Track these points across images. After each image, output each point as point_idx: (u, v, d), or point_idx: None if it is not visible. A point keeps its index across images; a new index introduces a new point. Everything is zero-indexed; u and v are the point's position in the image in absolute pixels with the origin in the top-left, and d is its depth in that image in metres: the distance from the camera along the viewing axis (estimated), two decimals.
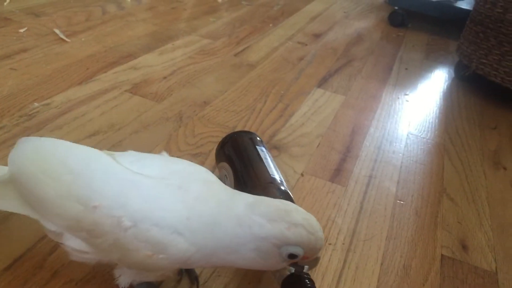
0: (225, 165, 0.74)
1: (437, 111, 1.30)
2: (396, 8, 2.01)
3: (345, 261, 0.69)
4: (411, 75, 1.52)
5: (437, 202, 0.88)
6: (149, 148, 0.85)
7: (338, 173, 0.90)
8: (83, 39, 1.28)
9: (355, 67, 1.49)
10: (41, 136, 0.62)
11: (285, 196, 0.64)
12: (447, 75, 1.60)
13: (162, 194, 0.47)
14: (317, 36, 1.73)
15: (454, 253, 0.75)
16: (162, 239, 0.45)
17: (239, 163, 0.71)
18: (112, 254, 0.48)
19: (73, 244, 0.49)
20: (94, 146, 0.81)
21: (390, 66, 1.56)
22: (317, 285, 0.63)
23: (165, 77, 1.14)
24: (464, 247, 0.77)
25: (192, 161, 0.82)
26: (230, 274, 0.62)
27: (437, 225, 0.82)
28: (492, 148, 1.13)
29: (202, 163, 0.84)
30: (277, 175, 0.68)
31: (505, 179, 1.00)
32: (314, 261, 0.51)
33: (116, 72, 1.12)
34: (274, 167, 0.71)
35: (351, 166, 0.93)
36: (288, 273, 0.56)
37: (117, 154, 0.52)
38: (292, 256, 0.47)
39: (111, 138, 0.86)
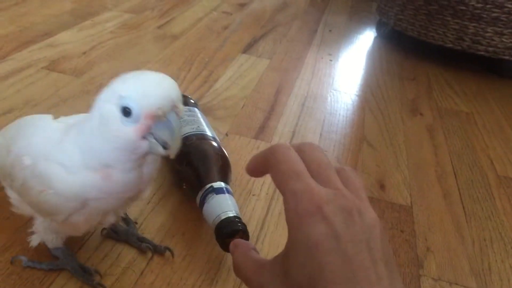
0: None
1: (360, 69, 1.35)
2: None
3: (268, 208, 0.72)
4: (334, 36, 1.56)
5: (357, 150, 0.92)
6: None
7: (262, 130, 0.93)
8: None
9: (280, 32, 1.51)
10: None
11: (218, 149, 0.69)
12: (369, 35, 1.65)
13: (57, 132, 0.49)
14: (242, 5, 1.73)
15: (372, 193, 0.79)
16: (46, 171, 0.46)
17: None
18: (25, 198, 0.50)
19: (8, 193, 0.54)
20: (9, 123, 0.80)
21: (315, 29, 1.60)
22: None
23: (84, 53, 1.12)
24: (382, 187, 0.82)
25: None
26: (165, 213, 0.63)
27: (357, 169, 0.85)
28: (410, 97, 1.18)
29: None
30: (209, 132, 0.72)
31: (421, 124, 1.05)
32: (170, 129, 0.42)
33: (31, 50, 1.09)
34: (207, 125, 0.75)
35: (275, 123, 0.96)
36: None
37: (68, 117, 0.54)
38: (125, 111, 0.41)
39: (27, 114, 0.82)
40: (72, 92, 0.94)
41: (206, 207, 0.60)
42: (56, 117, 0.54)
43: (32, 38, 1.15)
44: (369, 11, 1.89)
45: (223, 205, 0.60)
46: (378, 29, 1.63)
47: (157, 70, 1.08)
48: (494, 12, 1.25)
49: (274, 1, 1.86)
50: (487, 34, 1.28)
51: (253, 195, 0.74)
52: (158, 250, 0.59)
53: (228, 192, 0.62)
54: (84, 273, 0.54)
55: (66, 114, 0.85)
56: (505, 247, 0.72)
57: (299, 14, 1.73)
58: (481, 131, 1.06)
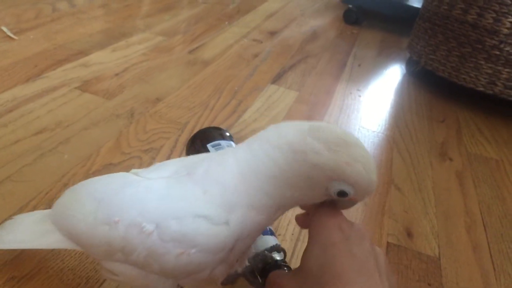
0: None
1: (388, 106, 1.34)
2: (350, 6, 2.05)
3: (294, 249, 0.70)
4: (364, 71, 1.56)
5: (385, 192, 0.90)
6: (99, 144, 0.84)
7: None
8: (31, 36, 1.25)
9: (309, 63, 1.51)
10: None
11: None
12: (398, 71, 1.64)
13: (172, 185, 0.45)
14: (272, 33, 1.74)
15: (399, 240, 0.78)
16: (185, 231, 0.42)
17: None
18: (152, 267, 0.45)
19: (113, 268, 0.48)
20: (41, 144, 0.81)
21: (344, 62, 1.59)
22: None
23: (116, 74, 1.13)
24: (409, 235, 0.80)
25: (142, 157, 0.83)
26: None
27: (384, 214, 0.84)
28: (440, 141, 1.17)
29: (152, 159, 0.84)
30: None
31: (451, 170, 1.03)
32: (353, 203, 0.45)
33: (65, 69, 1.10)
34: None
35: None
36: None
37: (142, 169, 0.51)
38: (341, 194, 0.41)
39: (58, 135, 0.85)
40: (103, 115, 0.94)
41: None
42: (135, 171, 0.50)
43: (66, 56, 1.17)
44: (398, 47, 1.89)
45: (265, 243, 0.60)
46: (407, 67, 1.62)
47: (187, 96, 1.09)
48: None
49: (304, 30, 1.86)
50: None
51: (279, 235, 0.73)
52: None
53: (272, 233, 0.63)
54: None
55: (96, 136, 0.86)
56: None
57: (328, 46, 1.73)
58: (511, 180, 1.03)
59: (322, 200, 0.44)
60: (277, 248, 0.58)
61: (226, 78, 1.26)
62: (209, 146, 0.73)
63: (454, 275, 0.73)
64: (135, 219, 0.44)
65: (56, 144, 0.82)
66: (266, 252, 0.58)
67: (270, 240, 0.62)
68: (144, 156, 0.84)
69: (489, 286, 0.72)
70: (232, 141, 0.78)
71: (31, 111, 0.90)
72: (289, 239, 0.73)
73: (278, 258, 0.58)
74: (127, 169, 0.51)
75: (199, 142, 0.75)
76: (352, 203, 0.45)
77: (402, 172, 0.99)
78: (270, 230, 0.64)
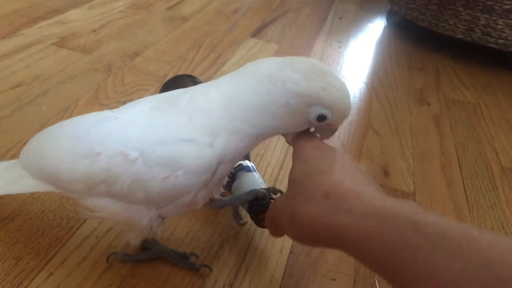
0: None
1: (368, 57, 1.34)
2: None
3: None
4: (344, 24, 1.55)
5: (363, 136, 0.92)
6: (77, 97, 0.85)
7: None
8: None
9: (289, 18, 1.50)
10: None
11: None
12: (379, 24, 1.64)
13: (154, 115, 0.46)
14: None
15: (376, 179, 0.80)
16: (171, 154, 0.44)
17: None
18: (136, 195, 0.46)
19: (90, 203, 0.49)
20: (18, 97, 0.81)
21: (325, 16, 1.59)
22: (244, 211, 0.66)
23: (93, 31, 1.12)
24: (386, 173, 0.82)
25: None
26: None
27: (361, 155, 0.86)
28: (418, 87, 1.18)
29: None
30: None
31: (428, 113, 1.05)
32: (332, 131, 0.47)
33: (41, 27, 1.09)
34: None
35: None
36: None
37: (115, 109, 0.51)
38: (320, 118, 0.43)
39: (36, 89, 0.85)
40: (80, 70, 0.94)
41: (237, 183, 0.62)
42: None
43: (42, 14, 1.15)
44: (380, 0, 1.88)
45: (254, 182, 0.61)
46: (388, 18, 1.62)
47: (165, 50, 1.09)
48: (506, 4, 1.24)
49: None
50: (498, 26, 1.27)
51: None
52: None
53: (255, 170, 0.64)
54: (181, 257, 0.55)
55: (73, 89, 0.86)
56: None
57: (309, 1, 1.72)
58: (488, 122, 1.05)
59: (302, 129, 0.46)
60: (273, 190, 0.59)
61: (205, 33, 1.25)
62: None
63: (428, 208, 0.75)
64: (117, 149, 0.44)
65: (33, 97, 0.82)
66: (262, 189, 0.59)
67: (255, 177, 0.63)
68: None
69: (462, 218, 0.74)
70: None
71: (7, 67, 0.90)
72: (267, 180, 0.74)
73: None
74: None
75: (171, 88, 0.75)
76: (331, 131, 0.47)
77: (380, 117, 1.00)
78: (253, 167, 0.65)
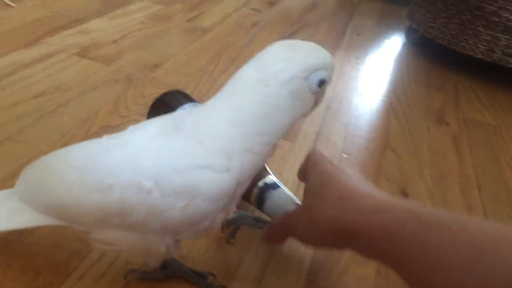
0: None
1: (386, 73, 1.34)
2: None
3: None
4: (362, 40, 1.55)
5: (381, 155, 0.91)
6: (97, 107, 0.85)
7: None
8: (29, 4, 1.24)
9: (308, 32, 1.50)
10: None
11: None
12: (398, 40, 1.63)
13: (164, 142, 0.45)
14: (271, 3, 1.73)
15: None
16: (188, 182, 0.43)
17: None
18: (152, 225, 0.45)
19: (113, 235, 0.47)
20: (40, 106, 0.81)
21: (343, 32, 1.59)
22: None
23: (115, 41, 1.13)
24: (405, 195, 0.81)
25: (140, 120, 0.84)
26: None
27: (380, 176, 0.85)
28: (437, 106, 1.17)
29: None
30: None
31: (447, 134, 1.04)
32: (323, 92, 0.49)
33: (63, 36, 1.10)
34: None
35: (300, 124, 0.96)
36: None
37: (115, 134, 0.49)
38: (321, 82, 0.45)
39: (57, 99, 0.85)
40: (101, 80, 0.95)
41: (269, 204, 0.62)
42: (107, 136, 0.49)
43: (65, 23, 1.17)
44: (398, 16, 1.87)
45: (286, 198, 0.62)
46: (407, 35, 1.62)
47: (185, 62, 1.09)
48: None
49: (303, 0, 1.85)
50: None
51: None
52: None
53: (280, 183, 0.64)
54: (199, 277, 0.55)
55: (94, 100, 0.87)
56: None
57: (327, 15, 1.72)
58: (508, 145, 1.04)
59: (311, 104, 0.47)
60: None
61: (225, 45, 1.25)
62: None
63: None
64: (131, 179, 0.43)
65: (55, 106, 0.83)
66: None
67: (285, 192, 0.63)
68: (142, 119, 0.85)
69: None
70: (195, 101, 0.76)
71: (30, 76, 0.91)
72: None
73: None
74: None
75: (167, 108, 0.71)
76: (323, 92, 0.49)
77: (399, 136, 0.99)
78: (277, 181, 0.65)
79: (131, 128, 0.49)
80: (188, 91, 0.95)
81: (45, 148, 0.72)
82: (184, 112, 0.49)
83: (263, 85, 0.43)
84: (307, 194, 0.49)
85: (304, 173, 0.54)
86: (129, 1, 1.42)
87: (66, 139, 0.75)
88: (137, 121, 0.84)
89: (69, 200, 0.45)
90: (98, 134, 0.78)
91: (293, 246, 0.63)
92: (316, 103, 0.48)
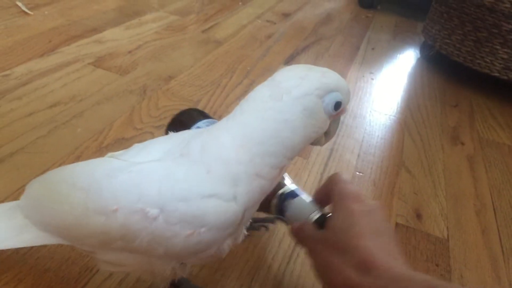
0: None
1: (401, 90, 1.33)
2: None
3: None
4: (377, 55, 1.54)
5: (395, 174, 0.90)
6: (111, 119, 0.85)
7: None
8: (46, 12, 1.25)
9: (322, 45, 1.50)
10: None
11: None
12: (412, 56, 1.62)
13: (169, 168, 0.44)
14: (286, 15, 1.73)
15: (408, 221, 0.78)
16: (194, 211, 0.42)
17: None
18: (156, 251, 0.44)
19: (117, 257, 0.46)
20: (55, 117, 0.82)
21: (357, 46, 1.58)
22: (274, 250, 0.65)
23: (130, 51, 1.14)
24: (418, 216, 0.80)
25: (154, 133, 0.83)
26: None
27: (393, 195, 0.84)
28: (452, 125, 1.16)
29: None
30: None
31: (462, 154, 1.03)
32: (338, 122, 0.49)
33: (79, 45, 1.11)
34: None
35: None
36: None
37: (120, 152, 0.49)
38: (337, 105, 0.45)
39: (72, 109, 0.86)
40: (116, 91, 0.95)
41: (290, 215, 0.60)
42: (111, 154, 0.49)
43: (81, 32, 1.17)
44: (413, 31, 1.87)
45: (306, 207, 0.59)
46: (422, 51, 1.61)
47: (199, 74, 1.09)
48: None
49: (318, 13, 1.85)
50: None
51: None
52: None
53: (299, 191, 0.61)
54: None
55: (109, 111, 0.87)
56: None
57: (342, 29, 1.72)
58: None
59: (326, 128, 0.47)
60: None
61: (239, 58, 1.25)
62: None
63: (462, 256, 0.73)
64: (135, 206, 0.42)
65: (70, 117, 0.83)
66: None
67: (305, 201, 0.60)
68: (156, 132, 0.85)
69: (497, 269, 0.72)
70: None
71: (45, 85, 0.91)
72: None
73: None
74: None
75: (183, 127, 0.70)
76: (338, 122, 0.50)
77: (413, 155, 0.98)
78: (296, 189, 0.62)
79: (137, 147, 0.49)
80: (201, 104, 0.96)
81: (59, 160, 0.72)
82: (194, 133, 0.48)
83: (275, 100, 0.43)
84: (331, 231, 0.48)
85: (324, 196, 0.54)
86: (145, 11, 1.42)
87: (80, 151, 0.75)
88: (151, 134, 0.84)
89: (72, 221, 0.44)
90: (112, 146, 0.78)
91: (305, 266, 0.63)
92: (331, 130, 0.48)
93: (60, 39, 1.11)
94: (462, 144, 1.07)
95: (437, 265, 0.70)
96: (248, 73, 1.17)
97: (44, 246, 0.57)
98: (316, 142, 0.48)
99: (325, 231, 0.49)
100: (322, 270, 0.48)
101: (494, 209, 0.86)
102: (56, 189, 0.46)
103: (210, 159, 0.43)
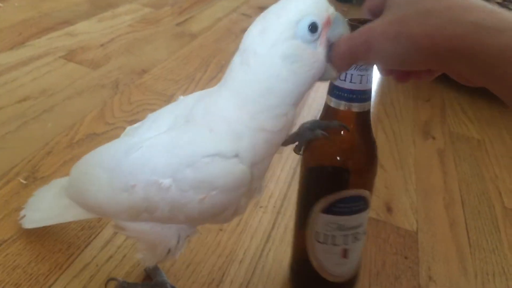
0: None
1: (374, 84, 1.34)
2: None
3: (274, 222, 0.72)
4: None
5: None
6: (83, 114, 0.84)
7: None
8: (16, 4, 1.23)
9: None
10: None
11: None
12: None
13: (175, 136, 0.45)
14: (262, 8, 1.70)
15: (379, 215, 0.79)
16: (201, 176, 0.43)
17: None
18: (178, 218, 0.46)
19: (141, 228, 0.49)
20: (24, 111, 0.80)
21: None
22: (245, 245, 0.66)
23: (102, 45, 1.12)
24: (389, 209, 0.81)
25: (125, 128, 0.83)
26: None
27: None
28: (424, 119, 1.18)
29: None
30: None
31: (433, 148, 1.05)
32: (342, 25, 0.42)
33: (50, 38, 1.09)
34: None
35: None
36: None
37: (136, 125, 0.53)
38: (313, 26, 0.40)
39: (42, 104, 0.84)
40: (88, 85, 0.94)
41: None
42: (130, 128, 0.54)
43: (52, 25, 1.15)
44: None
45: None
46: None
47: (173, 68, 1.09)
48: None
49: None
50: None
51: (260, 207, 0.74)
52: None
53: None
54: None
55: (80, 106, 0.86)
56: (507, 283, 0.71)
57: None
58: (492, 160, 1.05)
59: (320, 62, 0.41)
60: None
61: (213, 51, 1.25)
62: None
63: (430, 249, 0.74)
64: (150, 179, 0.44)
65: (40, 112, 0.82)
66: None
67: None
68: (128, 127, 0.84)
69: (464, 261, 0.74)
70: None
71: (14, 79, 0.90)
72: (270, 211, 0.74)
73: None
74: (110, 139, 0.51)
75: None
76: (342, 26, 0.42)
77: (385, 149, 1.00)
78: None
79: (149, 117, 0.51)
80: (175, 99, 0.95)
81: (28, 155, 0.71)
82: (198, 97, 0.48)
83: (259, 54, 0.41)
84: (390, 9, 0.38)
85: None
86: (118, 3, 1.41)
87: (50, 146, 0.74)
88: (123, 129, 0.83)
89: (104, 200, 0.49)
90: (83, 142, 0.77)
91: (277, 262, 0.63)
92: (332, 55, 0.41)
93: (31, 31, 1.09)
94: (433, 138, 1.10)
95: (405, 258, 0.71)
96: (222, 67, 1.17)
97: (14, 242, 0.57)
98: (325, 76, 0.42)
99: (385, 14, 0.38)
100: (392, 45, 0.37)
101: (462, 202, 0.88)
102: (88, 171, 0.51)
103: (213, 119, 0.44)
